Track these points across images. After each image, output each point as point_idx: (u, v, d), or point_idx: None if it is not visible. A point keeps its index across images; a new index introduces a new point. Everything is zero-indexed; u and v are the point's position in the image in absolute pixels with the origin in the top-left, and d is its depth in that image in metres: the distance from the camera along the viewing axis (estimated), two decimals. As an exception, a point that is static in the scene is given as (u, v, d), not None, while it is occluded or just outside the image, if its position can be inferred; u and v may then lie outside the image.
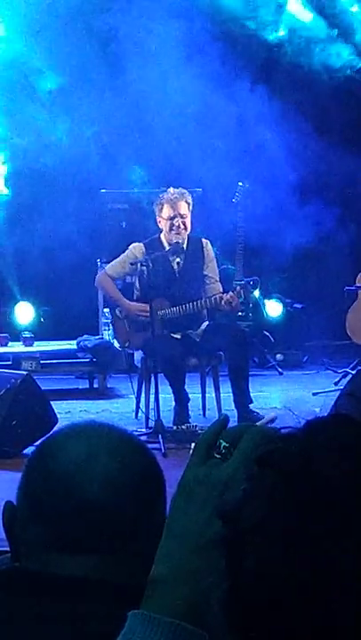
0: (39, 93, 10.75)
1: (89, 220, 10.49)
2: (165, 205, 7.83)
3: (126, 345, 8.25)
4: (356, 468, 0.98)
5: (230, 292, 7.83)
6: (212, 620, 1.08)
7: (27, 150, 10.55)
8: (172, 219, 7.83)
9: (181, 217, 7.84)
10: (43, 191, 10.54)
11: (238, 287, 7.98)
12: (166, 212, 7.84)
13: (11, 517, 1.59)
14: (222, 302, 7.74)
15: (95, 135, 10.76)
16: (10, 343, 10.18)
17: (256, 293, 10.15)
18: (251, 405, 7.90)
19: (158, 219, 7.94)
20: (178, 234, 7.84)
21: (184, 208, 7.85)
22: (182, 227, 7.84)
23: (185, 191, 7.96)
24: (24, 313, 10.83)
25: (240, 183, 9.97)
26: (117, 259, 8.13)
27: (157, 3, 10.64)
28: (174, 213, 7.81)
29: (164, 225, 7.90)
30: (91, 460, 1.54)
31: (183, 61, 10.50)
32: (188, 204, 7.88)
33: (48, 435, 1.65)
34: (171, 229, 7.84)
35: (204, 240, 8.13)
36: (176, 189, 7.96)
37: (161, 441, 7.18)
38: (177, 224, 7.83)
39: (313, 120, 10.89)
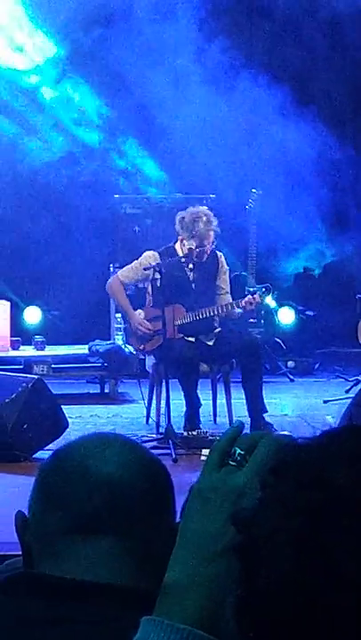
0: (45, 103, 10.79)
1: (102, 224, 10.51)
2: (197, 238, 7.72)
3: (141, 348, 8.23)
4: None
5: (251, 295, 7.83)
6: (226, 627, 1.08)
7: (38, 152, 10.57)
8: (199, 247, 7.77)
9: (209, 244, 7.83)
10: (55, 195, 10.55)
11: (258, 293, 7.94)
12: (196, 242, 7.74)
13: (22, 525, 1.60)
14: (243, 303, 7.74)
15: (108, 140, 10.76)
16: (21, 347, 10.20)
17: (271, 302, 10.15)
18: (265, 415, 7.87)
19: (180, 237, 7.86)
20: (200, 256, 7.81)
21: (210, 239, 7.83)
22: (206, 249, 7.82)
23: (213, 216, 7.87)
24: (34, 317, 10.85)
25: (253, 190, 9.98)
26: (130, 265, 8.10)
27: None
28: (202, 243, 7.77)
29: (187, 245, 7.82)
30: (104, 446, 1.59)
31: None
32: (216, 229, 7.83)
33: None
34: (197, 254, 7.79)
35: (218, 253, 8.11)
36: (206, 211, 7.83)
37: (171, 446, 7.17)
38: (205, 249, 7.80)
39: (329, 124, 10.88)
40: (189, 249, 7.76)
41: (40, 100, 11.01)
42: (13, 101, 10.82)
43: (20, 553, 1.62)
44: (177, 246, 7.94)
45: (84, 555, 1.53)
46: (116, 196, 10.42)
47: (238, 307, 7.80)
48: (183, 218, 7.86)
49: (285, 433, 1.42)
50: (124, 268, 8.16)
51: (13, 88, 10.75)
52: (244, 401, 7.88)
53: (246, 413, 7.81)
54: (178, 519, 1.23)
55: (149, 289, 8.05)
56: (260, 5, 10.83)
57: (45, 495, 1.59)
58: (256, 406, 7.84)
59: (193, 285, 7.98)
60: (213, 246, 7.95)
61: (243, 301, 7.76)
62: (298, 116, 10.77)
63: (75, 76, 10.96)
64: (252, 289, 9.32)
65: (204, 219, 7.78)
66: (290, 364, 10.78)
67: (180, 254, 7.87)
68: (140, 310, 8.10)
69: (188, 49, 10.60)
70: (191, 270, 7.88)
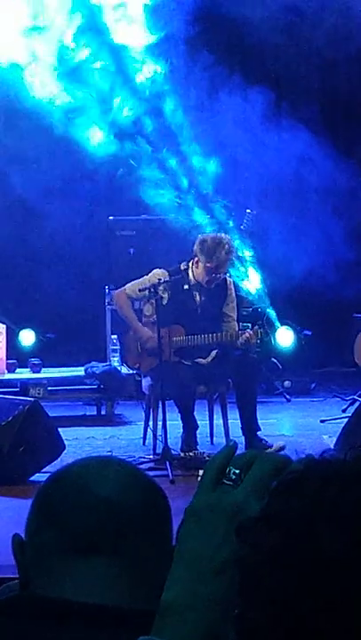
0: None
1: (97, 246, 10.52)
2: (214, 263, 7.71)
3: (136, 366, 8.22)
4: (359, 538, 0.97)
5: (248, 331, 7.81)
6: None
7: (34, 173, 10.58)
8: (212, 272, 7.78)
9: (222, 273, 7.85)
10: (50, 216, 10.56)
11: (256, 327, 7.94)
12: (211, 266, 7.74)
13: (19, 547, 1.61)
14: (239, 340, 7.74)
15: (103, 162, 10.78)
16: (17, 370, 10.19)
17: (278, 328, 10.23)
18: (259, 433, 7.89)
19: (197, 258, 7.83)
20: (209, 281, 7.84)
21: (225, 267, 7.90)
22: (217, 277, 7.84)
23: (233, 247, 7.97)
24: (28, 339, 10.85)
25: (248, 210, 10.02)
26: (138, 280, 8.01)
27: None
28: (217, 270, 7.79)
29: (200, 267, 7.83)
30: (102, 468, 1.61)
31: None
32: (233, 261, 7.91)
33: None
34: (208, 279, 7.82)
35: (228, 279, 8.11)
36: (227, 241, 7.84)
37: (168, 468, 7.17)
38: (216, 276, 7.82)
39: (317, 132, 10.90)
40: (207, 267, 7.76)
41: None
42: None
43: (18, 576, 1.63)
44: (183, 268, 7.90)
45: (80, 574, 1.53)
46: (111, 217, 10.44)
47: (236, 340, 7.78)
48: (205, 241, 7.82)
49: (280, 444, 1.42)
50: (132, 283, 8.06)
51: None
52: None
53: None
54: (174, 542, 1.23)
55: (145, 309, 8.03)
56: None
57: (43, 515, 1.60)
58: (250, 425, 7.85)
59: (198, 309, 7.96)
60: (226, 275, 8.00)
61: (241, 339, 7.76)
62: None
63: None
64: (246, 309, 9.35)
65: (226, 247, 7.77)
66: (286, 383, 10.77)
67: (191, 278, 7.86)
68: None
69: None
70: (198, 293, 7.88)
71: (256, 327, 7.93)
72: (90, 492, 1.57)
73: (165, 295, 7.77)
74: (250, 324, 8.02)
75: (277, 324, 10.68)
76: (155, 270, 7.93)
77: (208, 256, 7.72)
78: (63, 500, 1.58)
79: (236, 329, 7.93)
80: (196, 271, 7.84)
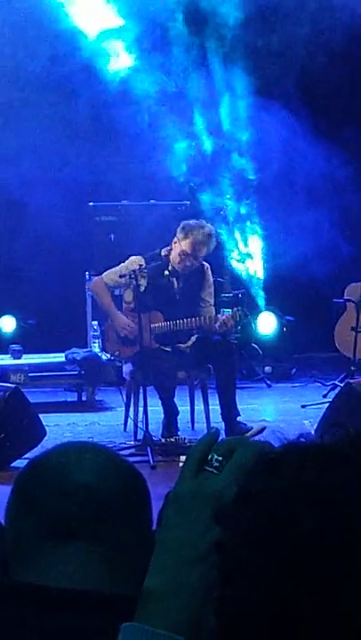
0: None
1: (77, 232, 10.49)
2: (189, 241, 7.73)
3: (116, 353, 8.22)
4: (342, 521, 0.97)
5: (225, 314, 7.81)
6: (206, 633, 1.08)
7: (14, 159, 10.54)
8: (185, 254, 7.79)
9: (195, 258, 7.82)
10: (30, 203, 10.52)
11: (234, 309, 7.95)
12: (186, 246, 7.76)
13: None
14: (217, 323, 7.74)
15: (82, 146, 10.75)
16: (-2, 356, 10.18)
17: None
18: (238, 418, 7.90)
19: (175, 239, 7.83)
20: (182, 267, 7.81)
21: (203, 253, 7.84)
22: (190, 264, 7.81)
23: (215, 237, 7.92)
24: (9, 325, 10.83)
25: (228, 196, 10.01)
26: (115, 268, 8.02)
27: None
28: (191, 253, 7.78)
29: (176, 249, 7.84)
30: (81, 454, 1.61)
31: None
32: (209, 249, 7.85)
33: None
34: (180, 260, 7.81)
35: (205, 264, 8.10)
36: (209, 227, 7.87)
37: (149, 453, 7.18)
38: (188, 262, 7.80)
39: (305, 119, 10.90)
40: (182, 250, 7.74)
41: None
42: None
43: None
44: (164, 254, 7.90)
45: (60, 560, 1.53)
46: (91, 203, 10.41)
47: (214, 324, 7.78)
48: (188, 223, 7.86)
49: (261, 425, 1.42)
50: (109, 271, 8.06)
51: None
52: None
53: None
54: (155, 527, 1.23)
55: (125, 296, 8.03)
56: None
57: (21, 501, 1.60)
58: (230, 411, 7.86)
59: (177, 295, 7.96)
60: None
61: (218, 322, 7.75)
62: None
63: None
64: (226, 295, 9.36)
65: (206, 230, 7.78)
66: (267, 369, 10.78)
67: (170, 262, 7.84)
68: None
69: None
70: (177, 279, 7.87)
71: (235, 309, 7.94)
72: (68, 478, 1.57)
73: (143, 282, 7.76)
74: (230, 309, 8.03)
75: (262, 308, 10.70)
76: (131, 257, 7.94)
77: (185, 233, 7.73)
78: (42, 486, 1.58)
79: (214, 313, 7.94)
80: (173, 256, 7.84)
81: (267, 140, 10.79)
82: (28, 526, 1.57)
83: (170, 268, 7.86)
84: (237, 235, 10.80)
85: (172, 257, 7.84)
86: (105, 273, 8.10)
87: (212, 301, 8.11)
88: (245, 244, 10.92)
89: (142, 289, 7.76)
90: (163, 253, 7.90)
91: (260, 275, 10.83)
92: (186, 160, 10.70)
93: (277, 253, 10.80)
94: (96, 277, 8.31)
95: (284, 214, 10.88)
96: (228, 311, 7.95)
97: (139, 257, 7.89)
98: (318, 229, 10.81)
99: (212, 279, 8.16)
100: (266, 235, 10.90)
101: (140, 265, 7.75)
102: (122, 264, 7.95)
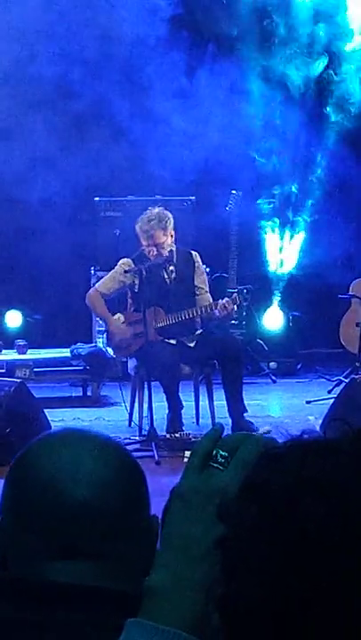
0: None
1: (83, 227, 10.49)
2: (140, 234, 7.82)
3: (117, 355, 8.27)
4: (345, 516, 0.97)
5: (226, 298, 7.83)
6: (211, 630, 1.08)
7: (19, 156, 10.54)
8: (148, 246, 7.82)
9: (156, 245, 7.81)
10: (35, 198, 10.52)
11: (234, 294, 7.97)
12: (142, 240, 7.84)
13: None
14: (217, 307, 7.74)
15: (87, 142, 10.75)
16: (3, 351, 10.17)
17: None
18: (245, 414, 7.90)
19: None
20: (155, 258, 7.83)
21: (159, 237, 7.79)
22: (156, 253, 7.81)
23: (164, 215, 7.84)
24: (14, 321, 10.83)
25: (233, 191, 10.00)
26: (107, 275, 8.12)
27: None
28: (148, 243, 7.80)
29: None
30: (74, 463, 1.53)
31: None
32: (165, 229, 7.80)
33: (26, 446, 1.62)
34: (151, 253, 7.84)
35: (193, 252, 8.12)
36: (154, 212, 7.86)
37: (154, 449, 7.18)
38: (152, 253, 7.81)
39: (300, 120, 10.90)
40: (145, 247, 7.77)
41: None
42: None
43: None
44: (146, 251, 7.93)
45: (63, 574, 1.50)
46: (97, 198, 10.40)
47: (215, 308, 7.78)
48: (141, 219, 7.90)
49: (266, 428, 1.41)
50: (102, 280, 8.19)
51: None
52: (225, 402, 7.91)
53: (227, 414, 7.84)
54: (158, 521, 1.22)
55: (130, 293, 8.05)
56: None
57: (15, 514, 1.55)
58: (236, 407, 7.86)
59: (171, 288, 7.97)
60: (172, 248, 7.92)
61: (218, 305, 7.76)
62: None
63: None
64: (232, 290, 9.34)
65: (147, 215, 7.83)
66: (272, 364, 10.77)
67: (151, 259, 7.87)
68: (119, 315, 8.11)
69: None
70: (162, 265, 7.88)
71: (235, 294, 7.94)
72: (65, 497, 1.50)
73: (135, 282, 7.80)
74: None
75: (271, 302, 10.72)
76: (121, 260, 8.04)
77: (138, 232, 7.84)
78: (38, 505, 1.52)
79: (210, 300, 7.95)
80: (151, 250, 7.88)
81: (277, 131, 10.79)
82: (25, 543, 1.52)
83: (152, 263, 7.86)
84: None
85: (153, 253, 7.88)
86: (98, 283, 8.24)
87: (206, 288, 8.14)
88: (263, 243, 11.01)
89: (136, 289, 7.81)
90: (144, 252, 7.95)
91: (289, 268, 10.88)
92: (193, 156, 10.68)
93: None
94: (91, 289, 8.38)
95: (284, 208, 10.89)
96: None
97: (127, 259, 7.97)
98: (327, 226, 10.81)
99: (202, 267, 8.18)
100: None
101: (130, 266, 7.81)
102: (112, 270, 8.08)
